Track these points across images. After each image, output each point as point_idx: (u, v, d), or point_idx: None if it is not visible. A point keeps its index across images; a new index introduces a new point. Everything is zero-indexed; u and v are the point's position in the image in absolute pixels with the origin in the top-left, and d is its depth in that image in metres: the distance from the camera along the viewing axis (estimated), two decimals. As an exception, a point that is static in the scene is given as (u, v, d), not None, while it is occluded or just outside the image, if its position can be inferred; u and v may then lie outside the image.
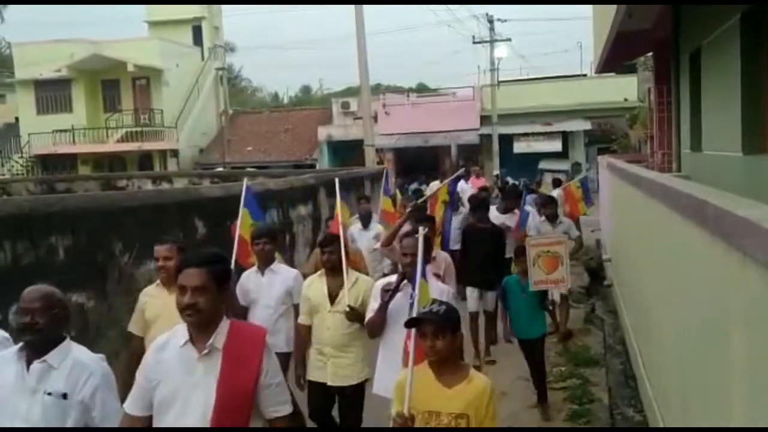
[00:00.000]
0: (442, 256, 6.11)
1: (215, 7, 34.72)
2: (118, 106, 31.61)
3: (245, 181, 6.09)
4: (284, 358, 4.97)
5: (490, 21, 29.25)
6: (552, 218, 8.55)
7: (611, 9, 9.21)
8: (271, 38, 67.36)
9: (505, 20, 29.79)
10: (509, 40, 29.91)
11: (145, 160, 30.88)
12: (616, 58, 13.25)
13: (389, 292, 4.26)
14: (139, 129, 30.61)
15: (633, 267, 6.83)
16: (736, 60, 6.30)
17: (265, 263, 5.26)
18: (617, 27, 9.68)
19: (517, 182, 18.47)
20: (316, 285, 4.92)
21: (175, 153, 31.03)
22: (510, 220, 8.37)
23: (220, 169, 26.36)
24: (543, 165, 25.04)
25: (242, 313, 5.16)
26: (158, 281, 4.52)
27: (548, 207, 8.71)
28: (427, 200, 8.44)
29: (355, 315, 4.64)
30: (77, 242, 5.14)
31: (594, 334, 8.44)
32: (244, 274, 5.41)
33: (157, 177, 19.48)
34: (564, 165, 26.31)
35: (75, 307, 4.95)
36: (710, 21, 7.29)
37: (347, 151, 27.55)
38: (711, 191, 3.16)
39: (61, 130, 30.42)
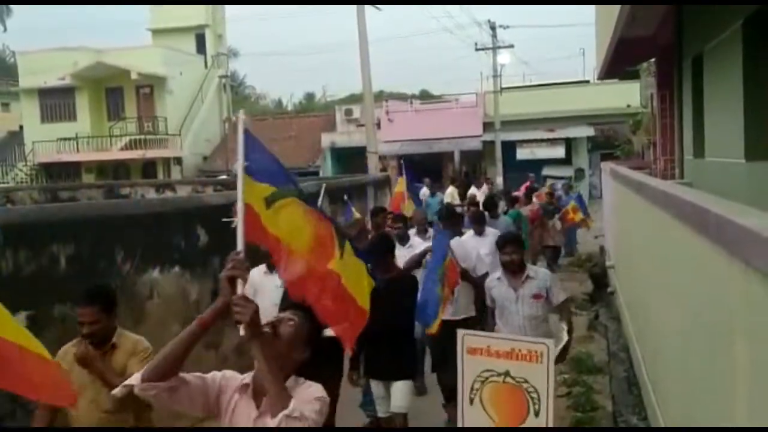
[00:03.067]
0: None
1: (219, 15, 34.84)
2: (122, 114, 31.72)
3: None
4: None
5: (493, 28, 29.26)
6: (514, 268, 5.04)
7: (614, 15, 9.21)
8: (275, 45, 67.62)
9: (508, 27, 29.70)
10: (512, 46, 29.90)
11: (148, 167, 30.95)
12: (618, 64, 13.25)
13: None
14: (142, 137, 30.68)
15: (636, 274, 6.81)
16: (739, 65, 6.29)
17: None
18: (619, 33, 9.67)
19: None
20: None
21: (178, 160, 31.09)
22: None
23: (224, 176, 26.39)
24: (546, 171, 25.03)
25: None
26: None
27: (506, 247, 5.11)
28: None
29: None
30: (79, 251, 5.14)
31: (597, 341, 8.42)
32: None
33: (160, 185, 19.52)
34: (567, 171, 26.30)
35: (76, 317, 4.94)
36: (712, 26, 7.29)
37: (351, 158, 27.57)
38: (712, 199, 3.15)
39: (65, 138, 30.52)
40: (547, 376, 3.09)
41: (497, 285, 5.16)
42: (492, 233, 7.24)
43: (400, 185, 11.59)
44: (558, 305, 5.14)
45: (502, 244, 5.19)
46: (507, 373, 3.22)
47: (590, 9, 14.85)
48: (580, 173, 27.17)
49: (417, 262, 6.01)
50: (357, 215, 8.42)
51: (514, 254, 5.05)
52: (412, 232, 7.59)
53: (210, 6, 33.91)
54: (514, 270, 5.03)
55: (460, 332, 3.57)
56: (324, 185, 7.57)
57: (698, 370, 3.25)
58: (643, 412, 5.90)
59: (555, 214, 13.44)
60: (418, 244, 6.83)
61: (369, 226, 8.08)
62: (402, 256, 6.32)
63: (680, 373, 3.85)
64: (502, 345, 3.33)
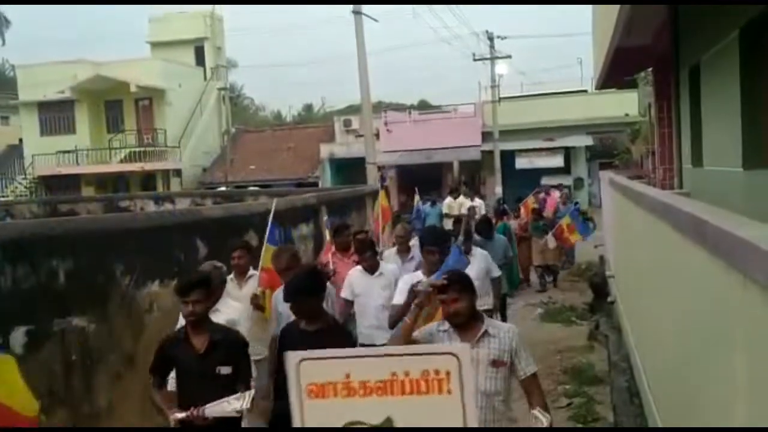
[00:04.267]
0: None
1: (218, 27, 34.99)
2: (121, 127, 31.81)
3: None
4: None
5: (490, 38, 29.40)
6: (461, 320, 3.48)
7: (610, 25, 9.25)
8: (274, 57, 67.94)
9: (505, 37, 29.85)
10: (509, 56, 30.05)
11: (148, 179, 30.99)
12: (616, 73, 13.29)
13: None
14: (142, 149, 30.76)
15: (636, 284, 6.80)
16: (736, 74, 6.30)
17: None
18: (616, 43, 9.71)
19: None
20: None
21: (178, 172, 31.14)
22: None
23: (223, 188, 26.43)
24: (545, 181, 25.05)
25: None
26: None
27: (447, 292, 3.48)
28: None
29: None
30: (78, 265, 5.13)
31: (598, 351, 8.41)
32: None
33: (159, 197, 19.51)
34: (566, 180, 26.33)
35: (76, 331, 4.94)
36: (709, 36, 7.31)
37: (350, 169, 27.60)
38: (711, 210, 3.15)
39: (64, 151, 30.61)
40: (462, 414, 1.75)
41: (444, 340, 3.47)
42: (480, 255, 6.65)
43: (383, 198, 9.97)
44: (525, 380, 3.47)
45: (440, 287, 3.49)
46: (387, 424, 1.83)
47: (587, 18, 14.93)
48: (579, 182, 27.21)
49: (402, 314, 4.23)
50: (329, 237, 7.26)
51: (459, 302, 3.42)
52: (391, 251, 6.84)
53: (209, 18, 34.09)
54: (462, 324, 3.45)
55: (293, 356, 2.02)
56: (275, 201, 6.43)
57: (698, 380, 3.24)
58: (644, 423, 5.88)
59: (545, 232, 12.93)
60: (389, 271, 5.91)
61: (333, 248, 6.98)
62: (370, 285, 5.82)
63: (681, 384, 3.84)
64: (374, 368, 1.88)
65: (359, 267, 6.02)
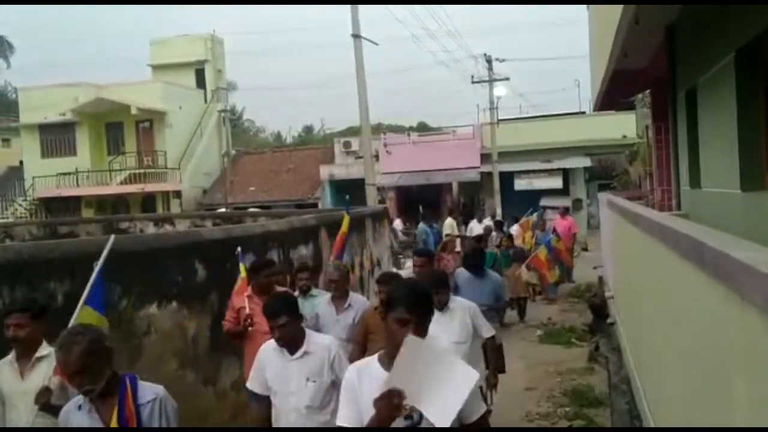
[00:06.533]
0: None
1: (218, 50, 35.24)
2: (122, 149, 31.91)
3: None
4: None
5: (489, 61, 29.61)
6: None
7: (608, 48, 9.32)
8: (274, 79, 68.45)
9: (503, 60, 30.06)
10: (507, 79, 30.25)
11: (148, 201, 31.03)
12: (613, 96, 13.38)
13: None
14: (142, 171, 30.84)
15: (635, 305, 6.78)
16: (732, 97, 6.34)
17: None
18: (614, 65, 9.78)
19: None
20: None
21: (178, 194, 31.18)
22: None
23: (223, 209, 26.44)
24: (544, 202, 25.09)
25: None
26: None
27: None
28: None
29: None
30: (76, 287, 5.11)
31: (598, 373, 8.36)
32: None
33: (159, 219, 19.50)
34: (565, 202, 26.37)
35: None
36: (705, 58, 7.37)
37: (350, 190, 27.64)
38: (709, 232, 3.15)
39: (65, 173, 30.66)
40: None
41: None
42: (461, 308, 4.80)
43: (346, 225, 7.86)
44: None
45: None
46: None
47: (585, 41, 15.04)
48: (577, 203, 27.26)
49: None
50: (243, 274, 5.97)
51: None
52: (324, 298, 5.50)
53: (209, 41, 34.35)
54: None
55: None
56: (113, 237, 4.58)
57: (698, 403, 3.22)
58: (645, 446, 5.83)
59: (514, 262, 12.71)
60: (323, 347, 3.76)
61: (248, 289, 5.75)
62: (288, 373, 3.73)
63: (681, 406, 3.82)
64: None
65: (272, 342, 3.81)
